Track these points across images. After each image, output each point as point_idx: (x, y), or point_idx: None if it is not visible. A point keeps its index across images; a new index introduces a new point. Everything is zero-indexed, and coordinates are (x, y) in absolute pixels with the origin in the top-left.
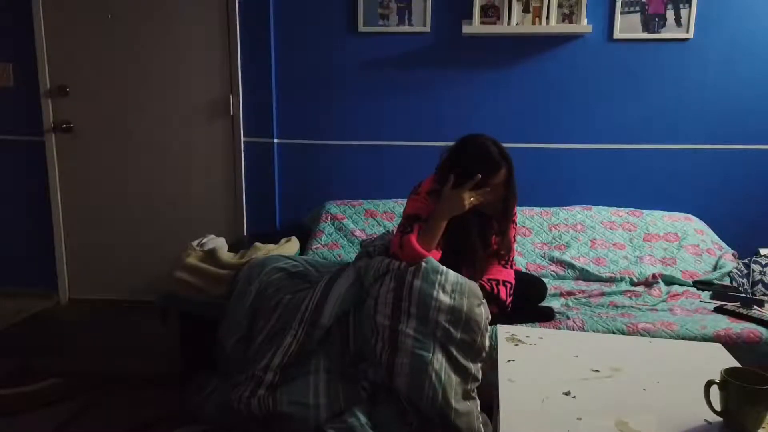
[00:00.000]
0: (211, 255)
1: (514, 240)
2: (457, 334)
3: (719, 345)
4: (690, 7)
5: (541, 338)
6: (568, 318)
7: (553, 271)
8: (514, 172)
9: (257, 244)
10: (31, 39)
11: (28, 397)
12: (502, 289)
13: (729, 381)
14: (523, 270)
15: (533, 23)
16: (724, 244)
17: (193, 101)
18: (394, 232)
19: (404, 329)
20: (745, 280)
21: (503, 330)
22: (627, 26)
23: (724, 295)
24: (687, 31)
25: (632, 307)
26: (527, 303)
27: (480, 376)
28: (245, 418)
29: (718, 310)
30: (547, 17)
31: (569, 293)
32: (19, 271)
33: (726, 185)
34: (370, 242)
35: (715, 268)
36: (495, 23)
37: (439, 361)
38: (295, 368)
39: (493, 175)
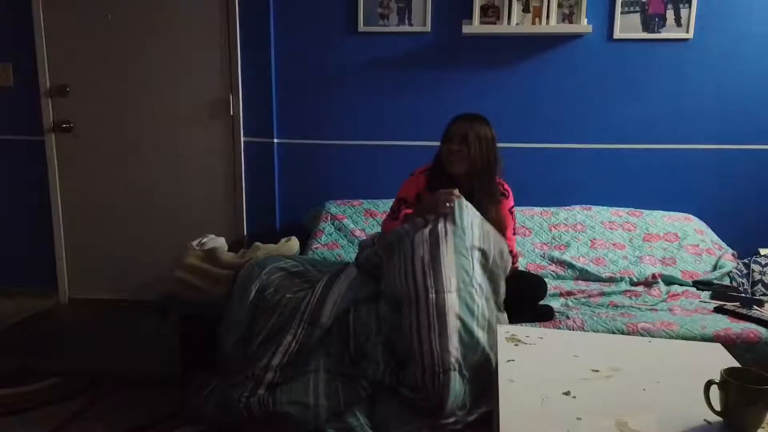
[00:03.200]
0: (211, 255)
1: (514, 219)
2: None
3: (719, 345)
4: (690, 7)
5: (541, 338)
6: (568, 318)
7: (553, 271)
8: (477, 134)
9: (257, 244)
10: (31, 39)
11: (28, 397)
12: None
13: (729, 381)
14: (523, 269)
15: (533, 23)
16: (724, 244)
17: (193, 101)
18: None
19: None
20: (744, 280)
21: (503, 330)
22: (627, 26)
23: (723, 295)
24: (687, 31)
25: (632, 307)
26: (527, 302)
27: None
28: (245, 417)
29: (718, 310)
30: (547, 17)
31: (569, 293)
32: (19, 271)
33: (726, 185)
34: (367, 244)
35: (714, 268)
36: (495, 23)
37: (480, 309)
38: (294, 368)
39: (446, 140)
